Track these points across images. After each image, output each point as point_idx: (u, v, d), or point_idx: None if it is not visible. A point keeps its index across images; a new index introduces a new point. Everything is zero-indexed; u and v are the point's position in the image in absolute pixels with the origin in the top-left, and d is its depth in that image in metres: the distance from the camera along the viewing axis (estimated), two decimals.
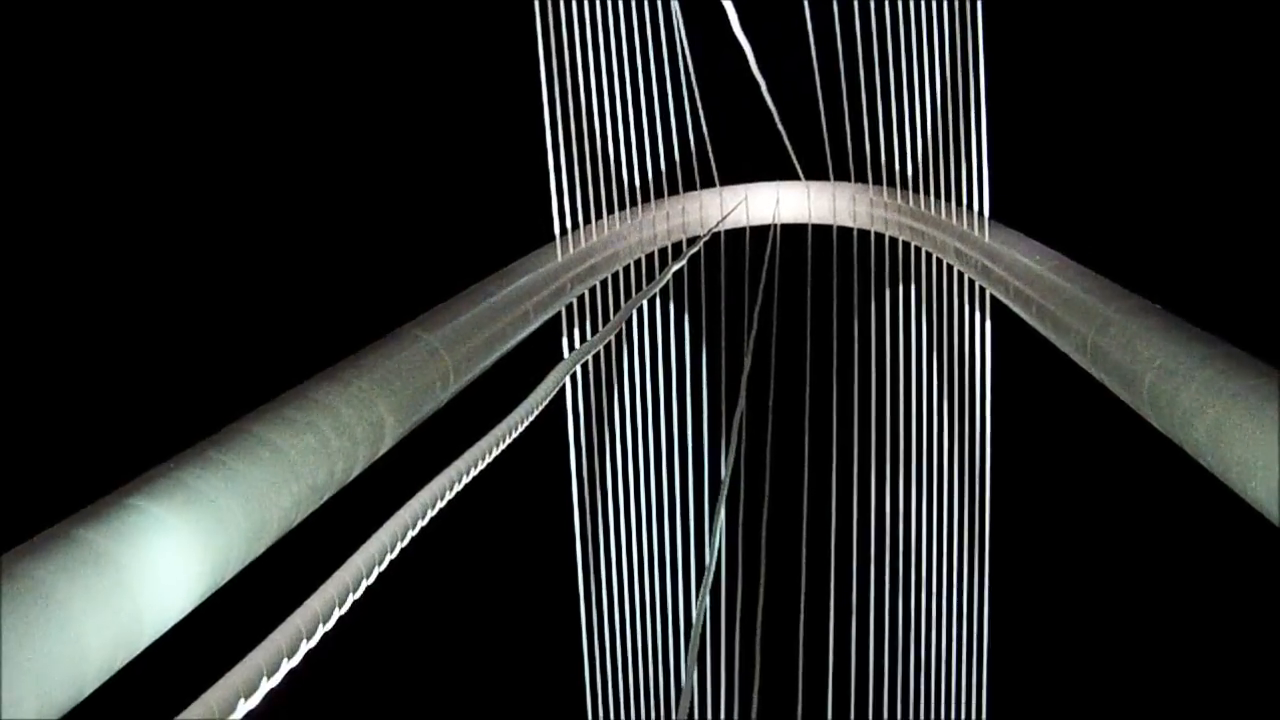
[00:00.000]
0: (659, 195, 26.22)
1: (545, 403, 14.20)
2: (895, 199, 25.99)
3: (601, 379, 26.74)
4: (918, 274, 26.40)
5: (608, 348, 26.41)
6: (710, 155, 26.16)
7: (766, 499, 22.42)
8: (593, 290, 25.05)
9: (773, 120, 24.13)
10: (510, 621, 32.49)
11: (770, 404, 24.44)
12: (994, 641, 27.48)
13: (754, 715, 20.81)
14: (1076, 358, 16.99)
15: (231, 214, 30.61)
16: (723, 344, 26.56)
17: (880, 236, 26.65)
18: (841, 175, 26.34)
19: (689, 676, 18.09)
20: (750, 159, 27.03)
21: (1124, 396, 14.98)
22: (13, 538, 7.97)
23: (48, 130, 29.36)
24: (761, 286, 23.54)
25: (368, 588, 9.88)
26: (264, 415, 11.05)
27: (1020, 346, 23.61)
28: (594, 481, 27.13)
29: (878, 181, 26.05)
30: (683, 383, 27.28)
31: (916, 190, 25.43)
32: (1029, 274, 19.76)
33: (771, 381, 24.38)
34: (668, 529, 27.52)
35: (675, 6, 24.45)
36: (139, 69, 29.75)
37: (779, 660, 24.72)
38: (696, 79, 25.03)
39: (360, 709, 32.02)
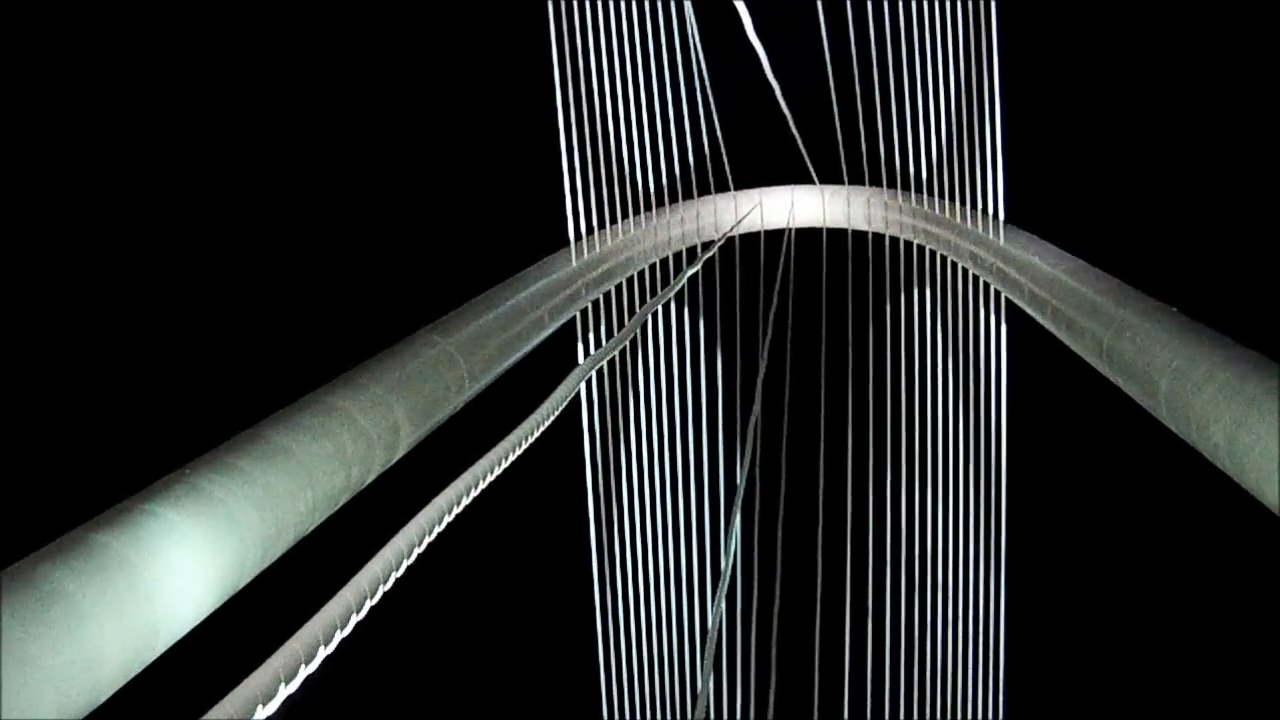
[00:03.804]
0: (673, 200, 26.21)
1: (561, 407, 14.20)
2: (910, 202, 25.95)
3: (617, 384, 26.74)
4: (932, 278, 26.35)
5: (623, 352, 26.40)
6: (724, 159, 26.16)
7: (782, 503, 22.38)
8: (607, 295, 25.04)
9: (787, 124, 24.12)
10: (526, 626, 32.49)
11: (785, 408, 24.41)
12: (1010, 646, 27.40)
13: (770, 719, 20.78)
14: (1092, 361, 16.94)
15: (247, 220, 30.69)
16: (738, 348, 26.55)
17: (895, 240, 26.60)
18: (856, 179, 26.30)
19: (705, 681, 18.08)
20: (764, 163, 27.02)
21: (1140, 400, 14.94)
22: (31, 542, 8.01)
23: (92, 144, 29.52)
24: (776, 291, 23.51)
25: (385, 593, 9.89)
26: (280, 421, 11.08)
27: (1035, 350, 23.54)
28: (609, 486, 27.13)
29: (892, 185, 26.01)
30: (698, 387, 27.27)
31: (931, 194, 25.39)
32: (1044, 277, 19.72)
33: (787, 386, 24.36)
34: (683, 533, 27.50)
35: (689, 11, 24.46)
36: (156, 77, 29.88)
37: (795, 665, 24.68)
38: (710, 83, 25.03)
39: (379, 715, 32.04)
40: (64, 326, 28.98)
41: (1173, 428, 13.74)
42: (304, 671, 8.66)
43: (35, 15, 28.49)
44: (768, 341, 21.95)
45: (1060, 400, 29.07)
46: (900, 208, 26.15)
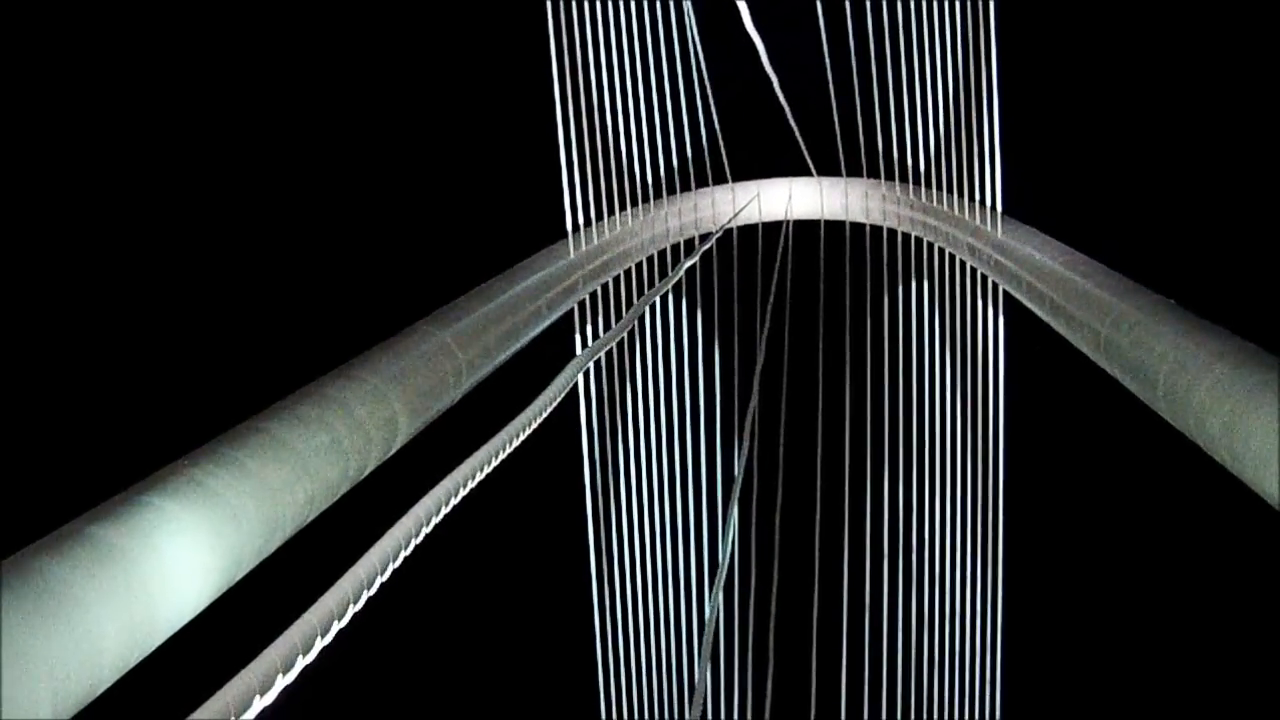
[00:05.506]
0: (671, 192, 26.19)
1: (558, 399, 14.21)
2: (908, 194, 25.94)
3: (614, 376, 26.73)
4: (930, 270, 26.35)
5: (620, 345, 26.39)
6: (722, 151, 26.13)
7: (780, 496, 22.40)
8: (605, 287, 25.03)
9: (785, 116, 24.10)
10: (523, 620, 32.50)
11: (783, 401, 24.42)
12: (1008, 639, 27.43)
13: (767, 715, 20.82)
14: (1090, 353, 16.95)
15: (245, 212, 30.68)
16: (735, 341, 26.54)
17: (893, 232, 26.60)
18: (854, 171, 26.29)
19: (702, 675, 18.12)
20: (762, 155, 26.99)
21: (1138, 392, 14.94)
22: (29, 535, 8.00)
23: (94, 146, 29.51)
24: (774, 283, 23.51)
25: (382, 584, 9.89)
26: (278, 413, 11.07)
27: (1033, 342, 23.55)
28: (607, 478, 27.13)
29: (890, 177, 26.00)
30: (696, 379, 27.27)
31: (929, 186, 25.37)
32: (1042, 269, 19.73)
33: (784, 378, 24.37)
34: (681, 526, 27.51)
35: (687, 3, 24.44)
36: (155, 76, 29.87)
37: (792, 659, 24.70)
38: (708, 75, 25.01)
39: (374, 707, 32.07)
40: (62, 321, 28.97)
41: (1170, 420, 13.75)
42: (301, 664, 8.66)
43: (34, 14, 28.46)
44: (765, 333, 21.96)
45: (1058, 393, 29.07)
46: (898, 200, 26.14)
